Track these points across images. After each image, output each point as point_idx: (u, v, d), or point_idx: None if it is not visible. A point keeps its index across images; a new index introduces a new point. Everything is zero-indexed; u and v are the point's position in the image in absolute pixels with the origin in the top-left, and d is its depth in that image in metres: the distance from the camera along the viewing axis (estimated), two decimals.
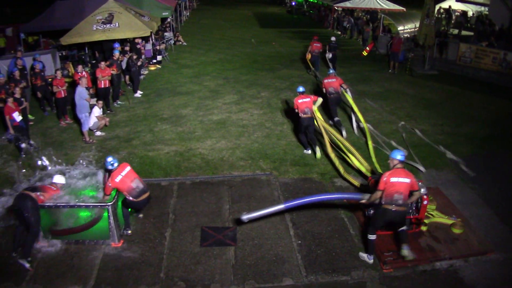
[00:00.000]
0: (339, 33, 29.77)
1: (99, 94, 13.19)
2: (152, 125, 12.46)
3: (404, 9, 28.09)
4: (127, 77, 16.03)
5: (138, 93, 15.36)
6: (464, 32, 26.01)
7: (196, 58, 21.42)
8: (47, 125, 12.81)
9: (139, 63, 15.89)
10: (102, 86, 13.16)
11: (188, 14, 41.42)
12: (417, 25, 21.57)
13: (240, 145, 11.08)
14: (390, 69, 18.90)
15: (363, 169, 9.21)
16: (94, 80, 13.73)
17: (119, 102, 14.41)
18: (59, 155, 10.62)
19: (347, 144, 10.05)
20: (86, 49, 19.11)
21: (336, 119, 12.07)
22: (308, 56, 18.14)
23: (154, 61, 19.46)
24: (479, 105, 14.61)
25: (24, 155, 10.65)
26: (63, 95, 12.64)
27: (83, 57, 19.19)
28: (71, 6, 19.42)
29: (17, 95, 11.08)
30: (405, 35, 22.02)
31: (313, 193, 8.86)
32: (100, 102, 12.06)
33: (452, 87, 16.81)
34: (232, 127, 12.28)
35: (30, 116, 12.71)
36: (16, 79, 12.46)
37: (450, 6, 29.67)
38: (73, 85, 13.56)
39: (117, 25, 16.29)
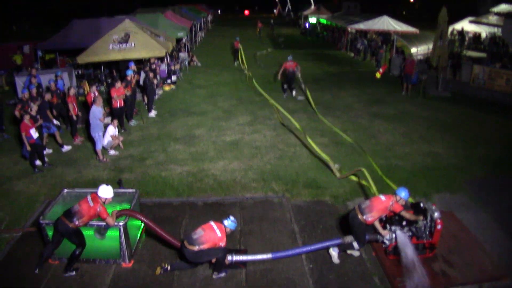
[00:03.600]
0: (352, 54, 29.92)
1: (113, 113, 13.38)
2: (165, 145, 12.57)
3: (418, 30, 28.16)
4: (144, 96, 16.27)
5: (153, 113, 15.55)
6: (477, 54, 25.95)
7: (210, 79, 21.68)
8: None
9: (155, 82, 16.13)
10: (118, 106, 13.35)
11: (203, 35, 42.16)
12: (430, 46, 21.60)
13: (252, 166, 11.09)
14: (403, 91, 18.86)
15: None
16: (109, 99, 13.96)
17: (133, 121, 14.60)
18: (72, 173, 10.79)
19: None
20: (102, 68, 19.49)
21: (289, 86, 17.69)
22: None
23: (169, 81, 19.75)
24: (493, 127, 14.45)
25: (37, 171, 10.83)
26: (77, 113, 12.86)
27: (99, 76, 19.56)
28: (88, 25, 19.89)
29: (33, 113, 11.26)
30: (418, 57, 22.06)
31: (325, 216, 8.81)
32: (115, 121, 12.24)
33: (465, 109, 16.69)
34: (245, 148, 12.31)
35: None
36: (32, 96, 12.71)
37: (463, 28, 29.72)
38: (86, 104, 13.83)
39: (133, 45, 16.63)
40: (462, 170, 10.89)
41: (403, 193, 7.06)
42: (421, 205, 7.41)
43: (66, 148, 12.42)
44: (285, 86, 18.13)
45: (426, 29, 30.25)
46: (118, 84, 13.51)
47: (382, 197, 7.12)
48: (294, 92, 18.25)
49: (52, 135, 12.64)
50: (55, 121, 12.47)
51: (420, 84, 18.79)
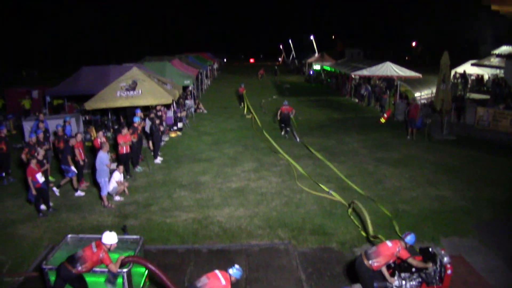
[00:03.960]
0: (357, 100, 30.40)
1: (119, 159, 13.59)
2: (171, 192, 12.65)
3: (420, 75, 28.74)
4: (150, 142, 16.51)
5: (158, 159, 15.75)
6: (480, 96, 26.27)
7: (216, 126, 22.05)
8: (67, 187, 13.14)
9: (161, 129, 16.42)
10: (124, 152, 13.58)
11: (209, 82, 43.24)
12: (434, 90, 21.96)
13: (258, 213, 11.08)
14: (408, 136, 19.04)
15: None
16: (115, 145, 14.19)
17: (139, 168, 14.78)
18: (76, 218, 10.85)
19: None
20: (109, 114, 19.90)
21: (286, 129, 19.36)
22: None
23: (175, 128, 20.10)
24: (499, 169, 14.47)
25: (42, 216, 10.90)
26: (83, 158, 13.07)
27: (106, 122, 19.94)
28: (96, 72, 20.51)
29: (40, 157, 11.47)
30: (422, 101, 22.42)
31: (332, 263, 8.72)
32: (121, 167, 12.42)
33: (471, 151, 16.78)
34: (251, 195, 12.35)
35: (50, 178, 13.11)
36: (39, 141, 12.97)
37: (465, 71, 30.24)
38: (93, 150, 14.05)
39: (140, 92, 17.03)
40: (470, 213, 10.84)
41: (409, 238, 7.04)
42: (430, 250, 7.35)
43: (79, 193, 12.55)
44: (283, 125, 19.96)
45: (429, 73, 30.85)
46: (125, 131, 13.78)
47: (389, 243, 7.09)
48: (287, 135, 19.62)
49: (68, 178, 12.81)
50: (72, 168, 12.65)
51: (425, 128, 18.99)
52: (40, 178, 10.78)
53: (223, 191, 12.68)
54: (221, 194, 12.40)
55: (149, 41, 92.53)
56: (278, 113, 19.94)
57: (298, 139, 18.88)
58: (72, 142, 12.88)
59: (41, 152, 11.66)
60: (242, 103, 28.12)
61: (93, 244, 6.91)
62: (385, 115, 22.61)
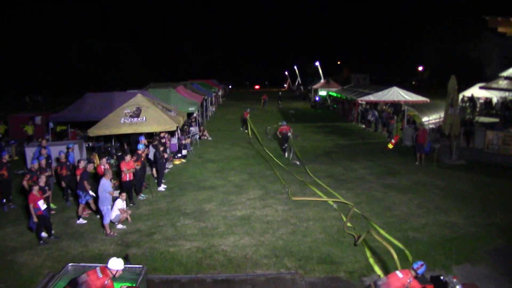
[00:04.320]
0: (364, 126, 30.49)
1: (122, 187, 13.63)
2: (174, 220, 12.62)
3: (428, 100, 28.87)
4: (153, 169, 16.56)
5: (162, 187, 15.78)
6: (489, 119, 26.20)
7: (220, 153, 22.14)
8: (69, 215, 13.17)
9: (165, 156, 16.49)
10: (127, 179, 13.63)
11: (214, 109, 43.63)
12: (442, 115, 21.98)
13: (264, 242, 11.01)
14: (416, 161, 18.99)
15: None
16: (118, 172, 14.26)
17: (142, 195, 14.79)
18: (78, 246, 10.81)
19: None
20: (113, 141, 20.04)
21: (284, 146, 21.21)
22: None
23: (179, 155, 20.19)
24: (511, 193, 14.32)
25: (43, 243, 10.88)
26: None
27: (109, 149, 20.06)
28: (100, 99, 20.75)
29: (42, 184, 11.52)
30: (430, 126, 22.39)
31: None
32: (124, 194, 12.46)
33: (481, 176, 16.68)
34: (256, 223, 12.30)
35: (52, 205, 13.16)
36: (41, 167, 13.06)
37: (473, 94, 30.26)
38: (96, 177, 14.12)
39: (144, 119, 17.14)
40: (482, 239, 10.71)
41: (420, 267, 6.95)
42: (442, 278, 7.26)
43: (81, 221, 12.56)
44: (284, 147, 21.65)
45: (436, 97, 31.04)
46: (128, 158, 13.87)
47: (399, 274, 7.00)
48: (286, 154, 21.27)
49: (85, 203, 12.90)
50: (90, 192, 12.73)
51: (434, 153, 18.95)
52: (42, 205, 10.83)
53: (228, 219, 12.64)
54: (226, 223, 12.36)
55: (154, 68, 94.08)
56: (278, 133, 22.22)
57: (291, 155, 20.77)
58: (90, 167, 13.10)
59: (42, 179, 11.74)
60: (245, 126, 29.36)
61: (98, 269, 6.86)
62: (393, 141, 22.62)
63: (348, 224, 11.70)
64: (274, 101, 54.11)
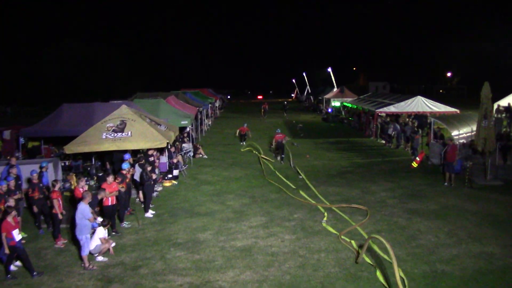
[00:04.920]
0: (383, 142, 30.52)
1: (104, 212, 13.65)
2: (164, 251, 12.60)
3: (458, 110, 28.89)
4: (140, 192, 16.55)
5: (150, 213, 15.79)
6: None
7: (218, 173, 22.17)
8: (41, 245, 13.16)
9: (153, 177, 16.52)
10: (109, 204, 13.65)
11: (210, 123, 43.85)
12: (474, 128, 21.96)
13: (268, 277, 10.97)
14: (445, 182, 18.99)
15: None
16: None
17: (126, 223, 14.79)
18: (51, 282, 10.77)
19: None
20: (93, 159, 20.06)
21: (282, 155, 24.90)
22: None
23: (170, 176, 20.22)
24: None
25: (10, 278, 10.84)
26: (62, 211, 13.12)
27: (89, 168, 20.07)
28: (79, 111, 20.83)
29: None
30: (461, 141, 22.40)
31: None
32: (106, 221, 12.44)
33: None
34: (259, 255, 12.27)
35: (22, 234, 13.08)
36: (10, 189, 13.03)
37: (509, 104, 30.22)
38: (73, 201, 14.11)
39: (129, 134, 17.16)
40: None
41: None
42: None
43: (59, 244, 12.53)
44: (277, 151, 25.64)
45: (468, 108, 31.13)
46: (110, 179, 13.90)
47: None
48: (282, 162, 24.72)
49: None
50: (99, 218, 12.75)
51: (465, 173, 18.92)
52: (17, 235, 10.82)
53: (226, 250, 12.61)
54: (224, 254, 12.32)
55: (141, 75, 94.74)
56: (273, 142, 26.05)
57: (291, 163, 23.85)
58: (102, 195, 13.17)
59: (11, 202, 11.70)
60: (244, 143, 30.76)
61: None
62: (418, 159, 22.62)
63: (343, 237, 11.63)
64: (279, 113, 54.33)
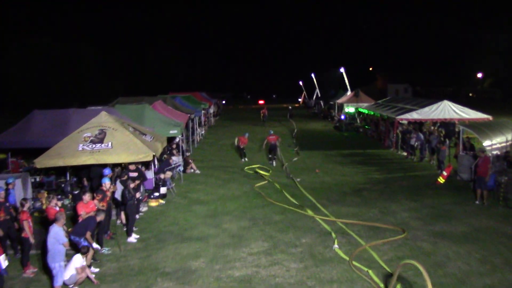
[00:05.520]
0: (405, 154, 30.52)
1: None
2: (149, 282, 12.58)
3: (490, 117, 28.88)
4: (122, 213, 16.52)
5: (133, 237, 15.76)
6: None
7: (212, 191, 22.17)
8: (8, 273, 13.07)
9: (137, 196, 16.50)
10: None
11: (203, 132, 43.84)
12: (510, 138, 21.93)
13: None
14: (477, 200, 19.00)
15: None
16: (74, 217, 14.25)
17: (106, 249, 14.76)
18: None
19: None
20: (68, 175, 20.04)
21: (274, 156, 28.47)
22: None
23: (157, 194, 20.17)
24: None
25: None
26: (32, 234, 13.08)
27: (63, 185, 20.05)
28: (52, 119, 20.81)
29: None
30: (494, 153, 22.37)
31: None
32: (85, 248, 12.42)
33: None
34: (261, 286, 12.25)
35: None
36: None
37: None
38: (44, 222, 14.07)
39: (109, 145, 17.13)
40: None
41: None
42: None
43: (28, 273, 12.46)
44: (270, 156, 29.00)
45: (502, 113, 31.08)
46: (87, 197, 13.89)
47: None
48: (274, 163, 28.54)
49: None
50: (94, 245, 12.74)
51: (499, 189, 18.92)
52: (4, 261, 10.82)
53: (222, 281, 12.59)
54: (220, 286, 12.30)
55: (124, 77, 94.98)
56: (265, 143, 29.43)
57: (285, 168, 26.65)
58: (101, 216, 13.20)
59: None
60: (245, 159, 30.31)
61: None
62: (445, 173, 22.63)
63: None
64: (283, 121, 54.37)
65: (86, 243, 12.64)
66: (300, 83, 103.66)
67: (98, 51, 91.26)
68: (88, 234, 12.74)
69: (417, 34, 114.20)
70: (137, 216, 17.10)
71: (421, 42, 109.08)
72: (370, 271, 12.59)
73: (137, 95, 38.30)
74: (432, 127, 32.04)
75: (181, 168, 25.05)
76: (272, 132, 29.90)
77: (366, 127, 44.00)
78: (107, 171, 16.39)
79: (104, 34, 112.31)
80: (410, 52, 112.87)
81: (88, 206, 13.71)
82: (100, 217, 12.21)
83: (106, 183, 15.23)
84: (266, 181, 23.77)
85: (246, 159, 30.21)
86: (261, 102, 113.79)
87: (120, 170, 18.38)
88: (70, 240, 12.35)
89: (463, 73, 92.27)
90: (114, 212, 16.98)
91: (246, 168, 27.48)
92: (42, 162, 16.69)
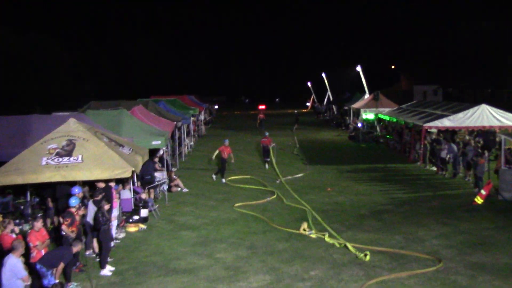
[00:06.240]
0: (435, 169, 30.49)
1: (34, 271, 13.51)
2: None
3: None
4: (94, 241, 16.46)
5: (108, 270, 15.69)
6: None
7: (203, 214, 22.14)
8: None
9: (113, 219, 16.43)
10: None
11: (192, 143, 43.81)
12: None
13: None
14: None
15: None
16: (27, 248, 14.19)
17: (74, 284, 14.68)
18: None
19: None
20: (28, 195, 19.97)
21: (266, 159, 33.50)
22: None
23: (136, 217, 20.14)
24: None
25: None
26: None
27: (22, 207, 19.97)
28: (8, 127, 20.72)
29: None
30: None
31: None
32: (57, 285, 12.37)
33: None
34: None
35: None
36: None
37: None
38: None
39: (79, 159, 16.97)
40: None
41: None
42: None
43: None
44: (265, 159, 33.75)
45: None
46: (39, 224, 13.85)
47: None
48: (267, 166, 33.25)
49: None
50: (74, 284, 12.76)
51: None
52: None
53: None
54: None
55: (97, 77, 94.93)
56: (261, 145, 33.95)
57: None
58: (78, 247, 13.22)
59: None
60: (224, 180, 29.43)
61: None
62: (483, 192, 22.59)
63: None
64: (287, 130, 54.35)
65: (53, 280, 12.59)
66: (309, 84, 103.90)
67: (64, 46, 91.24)
68: (61, 267, 12.70)
69: (449, 26, 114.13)
70: (113, 244, 17.06)
71: (454, 35, 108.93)
72: None
73: (112, 98, 38.34)
74: (468, 137, 32.04)
75: (166, 186, 25.00)
76: (267, 134, 34.35)
77: (388, 137, 44.06)
78: (76, 189, 16.30)
79: (71, 24, 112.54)
80: (441, 47, 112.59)
81: (40, 234, 13.65)
82: (77, 248, 12.15)
83: (75, 205, 15.17)
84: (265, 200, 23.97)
85: (224, 180, 29.07)
86: (261, 107, 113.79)
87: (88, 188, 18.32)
88: (35, 269, 12.28)
89: (505, 72, 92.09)
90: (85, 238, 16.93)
91: (228, 179, 28.57)
92: None
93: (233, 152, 29.98)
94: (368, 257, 15.77)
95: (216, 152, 30.03)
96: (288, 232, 19.18)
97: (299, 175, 30.67)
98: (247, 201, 24.16)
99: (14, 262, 11.54)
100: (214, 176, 29.45)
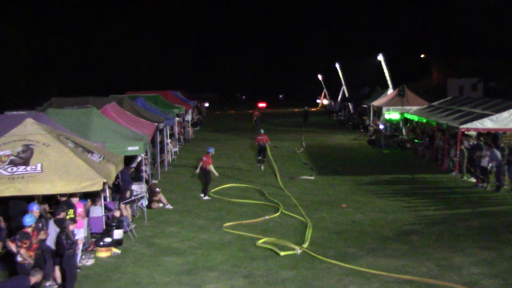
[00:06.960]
0: (474, 180, 30.47)
1: None
2: None
3: None
4: (56, 269, 16.44)
5: None
6: None
7: (190, 236, 22.10)
8: None
9: (79, 243, 16.41)
10: None
11: (176, 149, 43.78)
12: None
13: None
14: None
15: None
16: None
17: None
18: None
19: None
20: None
21: (263, 158, 37.66)
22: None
23: (108, 240, 20.09)
24: None
25: None
26: None
27: None
28: None
29: None
30: None
31: None
32: None
33: None
34: None
35: None
36: None
37: None
38: None
39: (39, 168, 16.91)
40: None
41: None
42: None
43: None
44: (259, 158, 37.30)
45: None
46: None
47: None
48: (262, 167, 36.58)
49: None
50: None
51: None
52: None
53: None
54: None
55: (60, 69, 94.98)
56: (257, 144, 37.81)
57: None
58: (37, 277, 13.26)
59: None
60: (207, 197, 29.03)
61: None
62: None
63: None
64: (295, 132, 54.40)
65: None
66: (319, 77, 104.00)
67: (20, 32, 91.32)
68: None
69: (489, 9, 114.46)
70: (79, 271, 17.03)
71: (496, 19, 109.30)
72: None
73: (79, 94, 38.23)
74: None
75: (145, 202, 24.96)
76: (262, 131, 37.99)
77: (416, 141, 44.07)
78: (34, 207, 16.22)
79: (29, 8, 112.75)
80: (480, 33, 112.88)
81: None
82: (36, 278, 12.12)
83: (31, 224, 15.11)
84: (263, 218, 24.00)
85: (207, 197, 28.82)
86: (261, 105, 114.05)
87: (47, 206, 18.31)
88: None
89: None
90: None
91: (212, 191, 28.86)
92: None
93: (228, 159, 30.19)
94: None
95: (200, 164, 29.62)
96: (295, 258, 19.16)
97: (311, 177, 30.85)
98: (246, 219, 24.13)
99: None
100: (202, 195, 28.82)
